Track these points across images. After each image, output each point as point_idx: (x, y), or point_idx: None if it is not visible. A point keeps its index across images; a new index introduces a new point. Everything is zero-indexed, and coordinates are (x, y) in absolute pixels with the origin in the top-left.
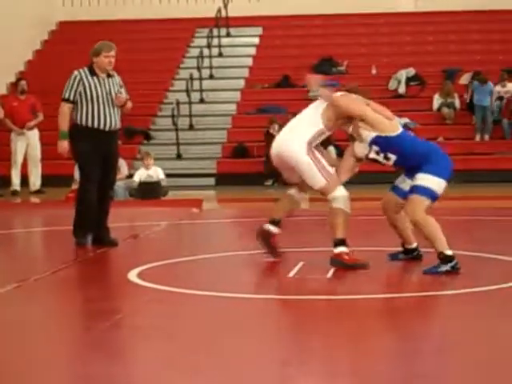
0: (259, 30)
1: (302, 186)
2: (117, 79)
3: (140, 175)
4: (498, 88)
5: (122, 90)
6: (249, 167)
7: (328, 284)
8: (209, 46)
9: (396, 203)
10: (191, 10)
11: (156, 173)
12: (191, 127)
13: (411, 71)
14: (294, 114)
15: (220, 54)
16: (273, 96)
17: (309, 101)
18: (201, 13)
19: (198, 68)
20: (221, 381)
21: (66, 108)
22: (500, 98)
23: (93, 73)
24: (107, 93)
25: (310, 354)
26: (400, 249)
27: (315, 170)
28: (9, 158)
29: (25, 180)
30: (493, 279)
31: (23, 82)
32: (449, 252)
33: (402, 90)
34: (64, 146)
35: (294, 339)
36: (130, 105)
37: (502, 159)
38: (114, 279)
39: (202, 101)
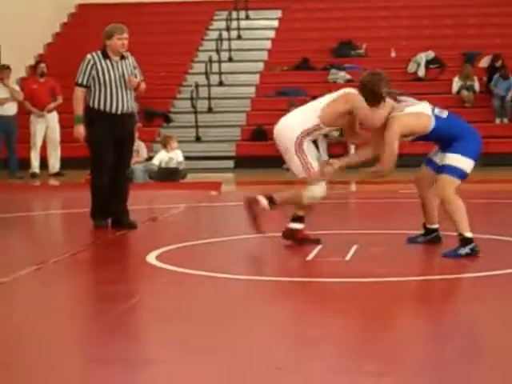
0: (278, 13)
1: None
2: (131, 61)
3: (160, 158)
4: None
5: (136, 72)
6: (268, 150)
7: (346, 266)
8: (228, 29)
9: (430, 178)
10: None
11: (176, 155)
12: (210, 110)
13: (430, 54)
14: (313, 98)
15: (239, 37)
16: (292, 79)
17: (328, 84)
18: None
19: (217, 51)
20: (236, 362)
21: (79, 92)
22: None
23: (106, 56)
24: (120, 76)
25: (323, 335)
26: (419, 232)
27: (297, 161)
28: (28, 140)
29: (44, 162)
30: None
31: (43, 65)
32: (469, 234)
33: (421, 72)
34: (80, 130)
35: (309, 321)
36: (143, 86)
37: None
38: (132, 261)
39: (221, 83)
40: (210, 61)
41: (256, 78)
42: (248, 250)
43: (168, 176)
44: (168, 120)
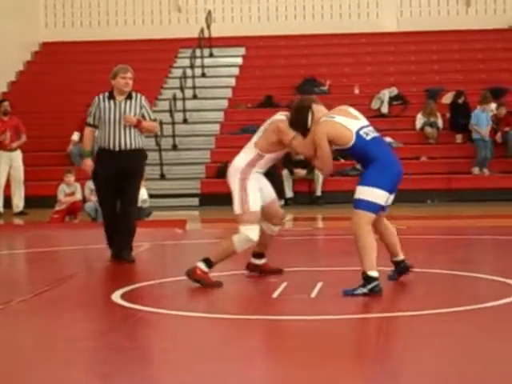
0: (242, 51)
1: (268, 217)
2: (138, 101)
3: None
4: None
5: (144, 111)
6: None
7: (312, 304)
8: (192, 67)
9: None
10: (174, 31)
11: (140, 194)
12: (175, 147)
13: (394, 91)
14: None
15: (203, 75)
16: (256, 116)
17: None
18: (184, 33)
19: (181, 88)
20: None
21: (87, 131)
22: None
23: (111, 96)
24: (121, 115)
25: (270, 375)
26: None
27: (237, 197)
28: None
29: (8, 201)
30: (475, 298)
31: (6, 103)
32: (373, 273)
33: (384, 109)
34: (87, 163)
35: (273, 359)
36: (153, 125)
37: (481, 178)
38: (98, 300)
39: (185, 121)
40: (175, 98)
41: (221, 116)
42: (214, 289)
43: None
44: None
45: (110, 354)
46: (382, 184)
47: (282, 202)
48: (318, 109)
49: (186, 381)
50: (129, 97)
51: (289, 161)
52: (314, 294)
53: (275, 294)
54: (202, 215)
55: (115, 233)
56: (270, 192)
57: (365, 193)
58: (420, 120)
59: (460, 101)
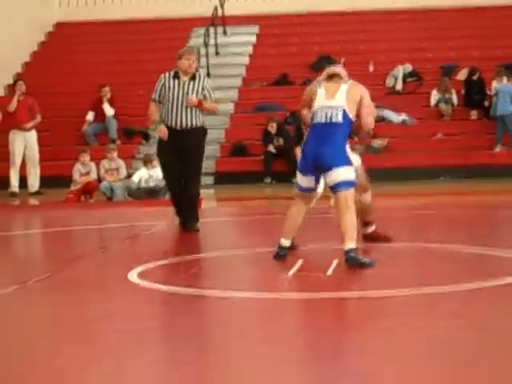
0: (256, 29)
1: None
2: (201, 82)
3: (140, 175)
4: (495, 84)
5: (205, 92)
6: (247, 166)
7: (328, 281)
8: (206, 45)
9: None
10: (187, 10)
11: (156, 173)
12: None
13: (408, 67)
14: (292, 112)
15: (217, 53)
16: (271, 94)
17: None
18: (197, 12)
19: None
20: (221, 380)
21: (151, 106)
22: (497, 94)
23: (176, 76)
24: (184, 94)
25: (306, 352)
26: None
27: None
28: (7, 159)
29: (23, 181)
30: (488, 274)
31: (21, 83)
32: (281, 242)
33: (399, 86)
34: (162, 129)
35: (290, 337)
36: (212, 105)
37: (500, 154)
38: (113, 279)
39: None
40: None
41: (235, 94)
42: (230, 267)
43: (148, 194)
44: (147, 137)
45: (125, 335)
46: (301, 168)
47: None
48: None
49: (205, 358)
50: (193, 77)
51: (301, 138)
52: (329, 272)
53: (291, 272)
54: (217, 193)
55: (180, 204)
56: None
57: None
58: (435, 96)
59: (475, 77)
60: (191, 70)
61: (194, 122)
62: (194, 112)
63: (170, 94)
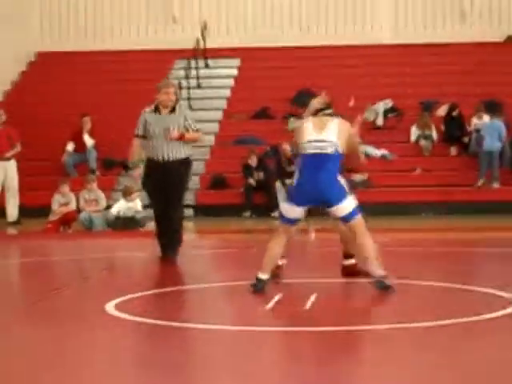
0: (237, 62)
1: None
2: (181, 114)
3: (119, 207)
4: (475, 120)
5: (187, 124)
6: (227, 198)
7: (306, 315)
8: (187, 77)
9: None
10: (169, 42)
11: (135, 205)
12: None
13: (388, 103)
14: (272, 146)
15: (198, 86)
16: (251, 127)
17: (287, 132)
18: (179, 44)
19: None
20: None
21: (134, 141)
22: (477, 131)
23: (156, 109)
24: (165, 128)
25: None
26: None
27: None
28: None
29: (2, 211)
30: (468, 310)
31: (1, 112)
32: (260, 275)
33: (380, 122)
34: (136, 173)
35: (265, 370)
36: (195, 135)
37: (479, 191)
38: (91, 311)
39: None
40: None
41: (215, 127)
42: (207, 299)
43: (126, 225)
44: (127, 168)
45: (103, 367)
46: (290, 198)
47: (277, 214)
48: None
49: None
50: (172, 110)
51: (281, 172)
52: (307, 306)
53: (269, 305)
54: (197, 226)
55: (163, 230)
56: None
57: (282, 207)
58: (415, 132)
59: (454, 113)
60: (170, 102)
61: (176, 155)
62: (177, 145)
63: (151, 129)
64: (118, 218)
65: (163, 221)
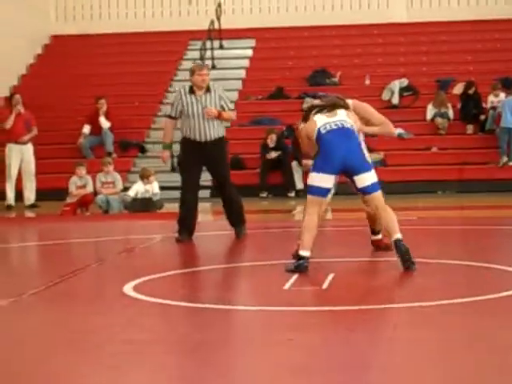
0: (252, 42)
1: None
2: (217, 93)
3: (136, 189)
4: (492, 98)
5: (223, 103)
6: (244, 179)
7: (324, 295)
8: (202, 59)
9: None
10: (184, 23)
11: (152, 188)
12: None
13: (404, 81)
14: (288, 126)
15: (213, 67)
16: (267, 108)
17: (302, 112)
18: (194, 25)
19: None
20: None
21: (168, 123)
22: (493, 108)
23: (191, 91)
24: (202, 108)
25: (304, 363)
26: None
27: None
28: (3, 172)
29: (19, 194)
30: (486, 288)
31: (17, 97)
32: (303, 253)
33: (395, 100)
34: (165, 154)
35: (285, 351)
36: (230, 115)
37: (495, 169)
38: (109, 292)
39: None
40: None
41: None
42: (225, 280)
43: (143, 207)
44: (143, 150)
45: (120, 347)
46: (321, 167)
47: (293, 194)
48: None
49: (197, 372)
50: (208, 90)
51: (298, 152)
52: (325, 286)
53: (287, 286)
54: (213, 207)
55: (189, 217)
56: None
57: (310, 178)
58: (431, 111)
59: (471, 91)
60: (205, 84)
61: (215, 134)
62: (214, 124)
63: (190, 110)
64: (135, 200)
65: (194, 206)
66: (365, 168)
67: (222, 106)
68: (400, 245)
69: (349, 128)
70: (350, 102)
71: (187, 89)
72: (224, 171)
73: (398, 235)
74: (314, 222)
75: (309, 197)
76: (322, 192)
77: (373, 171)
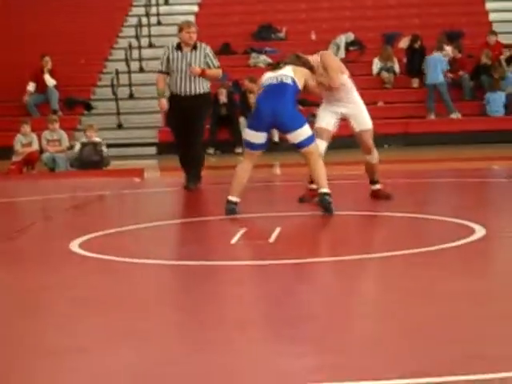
0: None
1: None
2: (202, 51)
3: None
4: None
5: (208, 60)
6: None
7: (270, 248)
8: (147, 15)
9: None
10: None
11: (99, 144)
12: (131, 96)
13: (350, 36)
14: (234, 81)
15: (159, 23)
16: None
17: (249, 68)
18: None
19: (137, 37)
20: (165, 345)
21: (159, 77)
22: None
23: (178, 47)
24: (187, 64)
25: (245, 318)
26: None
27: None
28: None
29: None
30: (429, 240)
31: None
32: (230, 197)
33: (341, 54)
34: (161, 101)
35: (230, 305)
36: (215, 72)
37: (438, 122)
38: (55, 250)
39: (141, 70)
40: (130, 47)
41: None
42: (172, 236)
43: (90, 164)
44: (89, 108)
45: (68, 304)
46: (251, 125)
47: (240, 150)
48: None
49: (145, 327)
50: (194, 48)
51: (246, 107)
52: (272, 239)
53: (234, 240)
54: (159, 164)
55: (188, 168)
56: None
57: (245, 133)
58: (377, 65)
59: (416, 45)
60: (191, 41)
61: (198, 89)
62: (197, 80)
63: (175, 65)
64: (80, 157)
65: (186, 151)
66: (296, 125)
67: (207, 63)
68: (324, 199)
69: (286, 83)
70: (323, 52)
71: (175, 45)
72: (197, 125)
73: (325, 189)
74: (243, 170)
75: (245, 151)
76: (253, 146)
77: (305, 126)
